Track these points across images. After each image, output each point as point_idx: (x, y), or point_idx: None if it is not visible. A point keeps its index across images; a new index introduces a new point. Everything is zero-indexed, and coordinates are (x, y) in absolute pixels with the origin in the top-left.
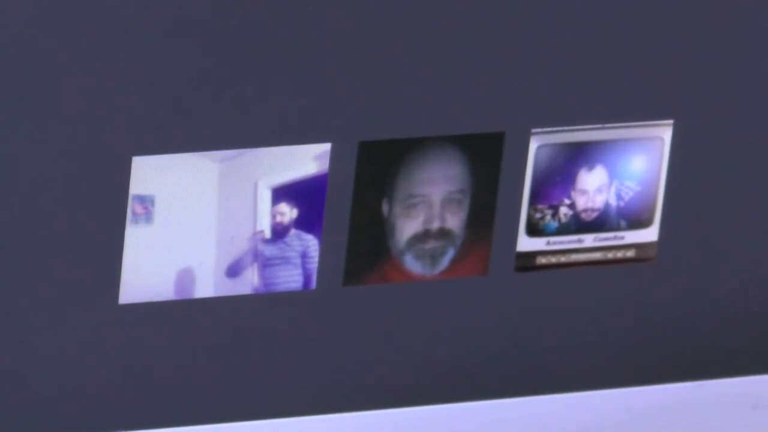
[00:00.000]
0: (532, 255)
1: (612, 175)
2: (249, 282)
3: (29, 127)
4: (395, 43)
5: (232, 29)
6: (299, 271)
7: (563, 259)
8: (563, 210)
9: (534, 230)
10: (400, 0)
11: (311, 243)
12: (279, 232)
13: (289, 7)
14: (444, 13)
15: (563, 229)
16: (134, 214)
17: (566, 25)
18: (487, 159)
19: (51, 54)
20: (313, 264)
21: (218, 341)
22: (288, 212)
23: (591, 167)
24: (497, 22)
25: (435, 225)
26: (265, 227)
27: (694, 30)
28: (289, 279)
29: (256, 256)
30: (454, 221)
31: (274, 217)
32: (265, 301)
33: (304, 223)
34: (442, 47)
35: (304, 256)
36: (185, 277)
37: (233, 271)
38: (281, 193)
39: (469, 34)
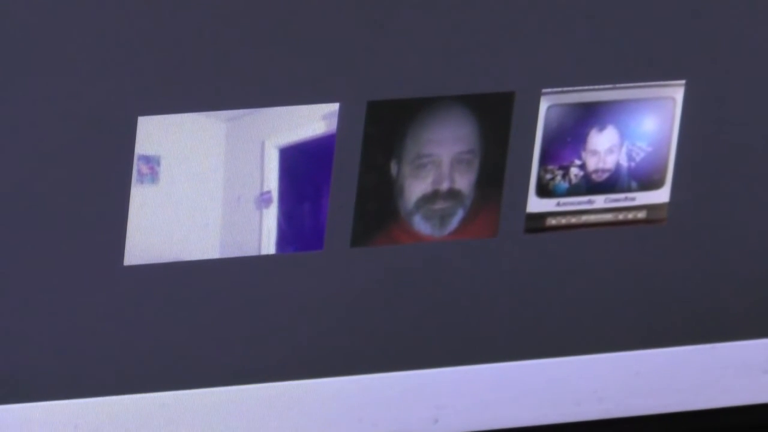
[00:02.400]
0: (542, 216)
1: (623, 136)
2: (255, 243)
3: (33, 87)
4: (404, 2)
5: None
6: (307, 231)
7: (573, 220)
8: (573, 171)
9: (544, 191)
10: None
11: (317, 203)
12: (283, 190)
13: None
14: None
15: (573, 190)
16: (140, 174)
17: None
18: (496, 119)
19: (56, 12)
20: (319, 225)
21: (225, 303)
22: (300, 172)
23: (602, 128)
24: None
25: (444, 186)
26: (273, 187)
27: None
28: (296, 241)
29: (263, 222)
30: (464, 182)
31: (285, 170)
32: (272, 262)
33: (312, 183)
34: (451, 6)
35: (309, 216)
36: (191, 238)
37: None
38: (289, 153)
39: None
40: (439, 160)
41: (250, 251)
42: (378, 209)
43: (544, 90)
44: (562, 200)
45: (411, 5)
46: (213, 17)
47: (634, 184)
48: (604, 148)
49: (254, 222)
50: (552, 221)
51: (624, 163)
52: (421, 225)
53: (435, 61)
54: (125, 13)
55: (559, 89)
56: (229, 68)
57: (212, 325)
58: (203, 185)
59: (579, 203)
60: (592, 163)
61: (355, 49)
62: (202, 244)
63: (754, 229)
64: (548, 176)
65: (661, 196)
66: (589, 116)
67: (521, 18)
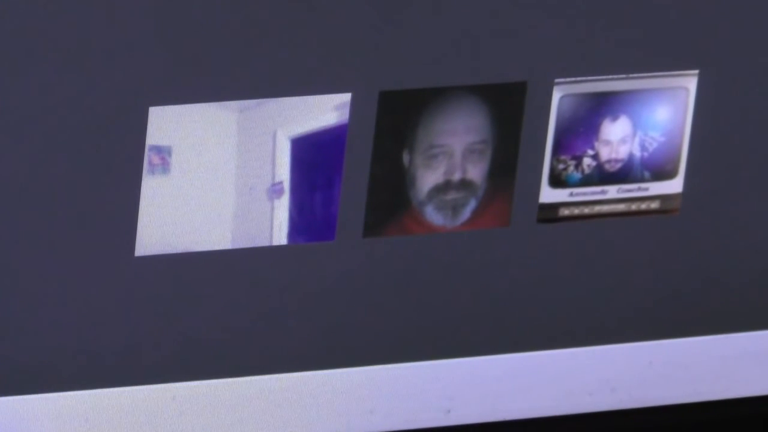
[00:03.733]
0: (555, 206)
1: (636, 126)
2: (267, 234)
3: (44, 78)
4: None
5: None
6: (319, 221)
7: (586, 210)
8: (586, 161)
9: (557, 181)
10: None
11: (328, 194)
12: (299, 184)
13: None
14: None
15: (586, 181)
16: (151, 164)
17: None
18: (509, 109)
19: (67, 3)
20: (331, 216)
21: (236, 294)
22: (311, 163)
23: (615, 117)
24: None
25: (456, 176)
26: (285, 177)
27: None
28: (308, 231)
29: (275, 212)
30: (476, 172)
31: (296, 161)
32: (284, 253)
33: (323, 173)
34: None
35: (321, 206)
36: (203, 229)
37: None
38: (301, 143)
39: None
40: (452, 151)
41: (262, 242)
42: (390, 199)
43: (556, 80)
44: (575, 190)
45: None
46: (224, 7)
47: (647, 175)
48: (617, 138)
49: (266, 213)
50: (565, 211)
51: (637, 153)
52: (433, 215)
53: (447, 51)
54: (136, 3)
55: (572, 79)
56: (241, 58)
57: (223, 316)
58: (215, 176)
59: (592, 193)
60: (605, 153)
61: (367, 39)
62: (214, 234)
63: (767, 220)
64: (561, 166)
65: (675, 186)
66: (601, 106)
67: (534, 8)
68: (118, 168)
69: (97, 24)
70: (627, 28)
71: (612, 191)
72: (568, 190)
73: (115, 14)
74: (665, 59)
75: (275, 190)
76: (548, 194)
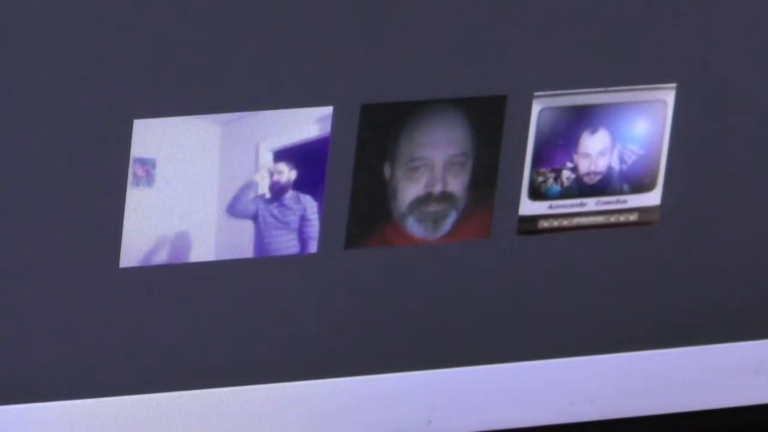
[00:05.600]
0: (535, 219)
1: (615, 139)
2: (250, 246)
3: (29, 89)
4: (397, 5)
5: None
6: (300, 233)
7: (565, 222)
8: (566, 174)
9: (536, 194)
10: None
11: (310, 206)
12: (277, 192)
13: None
14: None
15: (565, 193)
16: (135, 176)
17: None
18: (489, 122)
19: (52, 15)
20: (313, 227)
21: (219, 305)
22: (286, 172)
23: (594, 130)
24: None
25: (437, 188)
26: (266, 189)
27: None
28: (290, 243)
29: (257, 218)
30: (456, 184)
31: (272, 175)
32: (267, 264)
33: (305, 185)
34: (444, 9)
35: (302, 219)
36: (186, 241)
37: (234, 209)
38: (283, 156)
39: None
40: (432, 163)
41: (245, 254)
42: (371, 212)
43: (536, 93)
44: (555, 203)
45: (403, 9)
46: (207, 21)
47: (625, 187)
48: (596, 151)
49: (249, 224)
50: (544, 224)
51: (616, 165)
52: (414, 227)
53: (428, 65)
54: (120, 16)
55: (551, 92)
56: (224, 71)
57: (207, 326)
58: (198, 188)
59: (571, 206)
60: (584, 166)
61: (349, 52)
62: (197, 246)
63: (745, 232)
64: (540, 179)
65: (653, 198)
66: (580, 119)
67: (513, 21)
68: (103, 179)
69: (81, 36)
70: (605, 41)
71: (591, 204)
72: (547, 203)
73: (99, 27)
74: (643, 73)
75: (257, 201)
76: (528, 207)
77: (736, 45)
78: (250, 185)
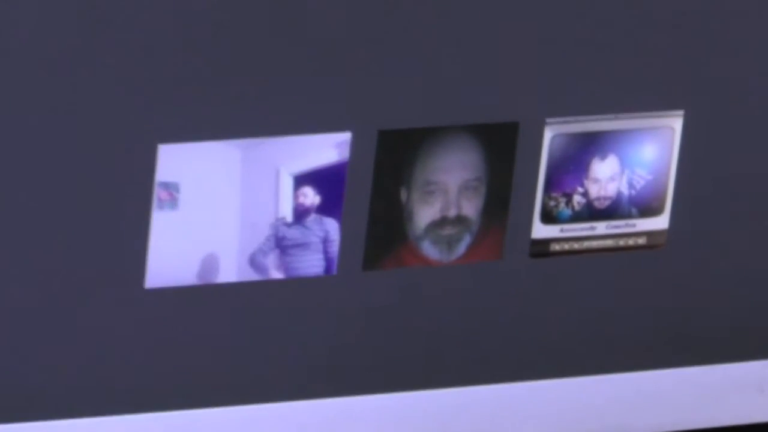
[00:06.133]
0: (546, 242)
1: (624, 164)
2: (272, 267)
3: (57, 114)
4: (413, 35)
5: (254, 21)
6: (320, 256)
7: (576, 246)
8: (576, 198)
9: (548, 217)
10: None
11: (332, 228)
12: (300, 215)
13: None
14: (462, 6)
15: (576, 217)
16: (160, 200)
17: (578, 18)
18: (502, 148)
19: (80, 45)
20: (334, 249)
21: (242, 325)
22: (311, 195)
23: (604, 156)
24: (513, 15)
25: (452, 212)
26: (287, 213)
27: (703, 22)
28: (311, 264)
29: (278, 241)
30: (471, 208)
31: (297, 198)
32: (288, 285)
33: (325, 209)
34: (459, 39)
35: (325, 241)
36: (209, 263)
37: (255, 262)
38: (303, 180)
39: (486, 28)
40: (447, 188)
41: (266, 275)
42: (388, 234)
43: (548, 120)
44: (566, 226)
45: (419, 38)
46: (229, 49)
47: (634, 211)
48: (606, 176)
49: (270, 246)
50: (556, 247)
51: (625, 190)
52: (429, 250)
53: (442, 92)
54: (146, 45)
55: (563, 119)
56: (245, 98)
57: (229, 345)
58: (221, 211)
59: (582, 229)
60: (594, 191)
61: (366, 80)
62: (221, 267)
63: (749, 255)
64: (552, 203)
65: (661, 222)
66: (591, 145)
67: (526, 52)
68: (129, 203)
69: (109, 64)
70: (615, 69)
71: (601, 227)
72: (558, 226)
73: (128, 55)
74: (652, 100)
75: (278, 225)
76: (540, 230)
77: (741, 73)
78: (272, 208)
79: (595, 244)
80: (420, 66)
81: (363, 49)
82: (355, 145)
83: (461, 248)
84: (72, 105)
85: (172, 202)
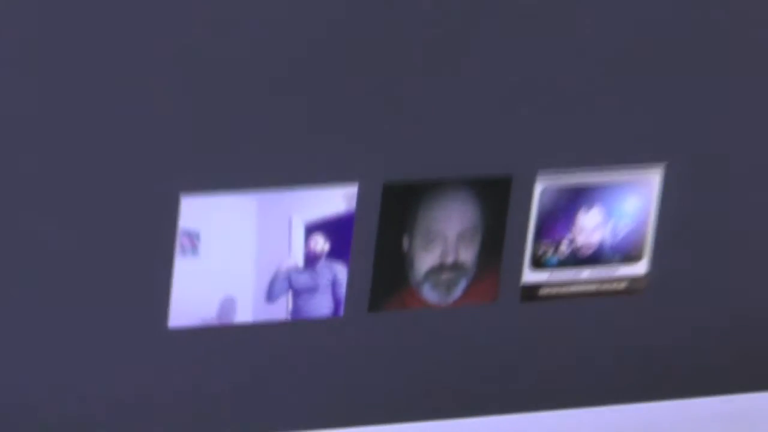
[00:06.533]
0: (536, 286)
1: (608, 215)
2: (284, 309)
3: (95, 167)
4: (415, 98)
5: (269, 86)
6: (329, 298)
7: (563, 290)
8: (564, 246)
9: (538, 264)
10: (414, 57)
11: (340, 273)
12: (311, 261)
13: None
14: (460, 69)
15: (563, 263)
16: (182, 247)
17: (565, 81)
18: (496, 200)
19: (104, 96)
20: (342, 292)
21: (257, 362)
22: (321, 243)
23: (589, 207)
24: (505, 78)
25: (450, 258)
26: (299, 259)
27: (681, 84)
28: (320, 306)
29: (291, 285)
30: (467, 255)
31: (308, 245)
32: (299, 326)
33: (334, 255)
34: (457, 103)
35: (333, 284)
36: (227, 304)
37: (270, 303)
38: (314, 229)
39: (482, 92)
40: (446, 236)
41: (280, 316)
42: (392, 279)
43: (539, 174)
44: (554, 272)
45: (421, 102)
46: (247, 109)
47: (616, 258)
48: (591, 226)
49: (283, 289)
50: (545, 291)
51: (608, 239)
52: (429, 293)
53: (443, 148)
54: (171, 105)
55: (552, 174)
56: (262, 153)
57: (244, 379)
58: (238, 257)
59: (568, 275)
60: (580, 239)
61: (373, 137)
62: (237, 309)
63: (723, 298)
64: (541, 250)
65: (640, 268)
66: (578, 197)
67: (519, 112)
68: (154, 249)
69: (136, 122)
70: (600, 127)
71: (585, 273)
72: (547, 272)
73: (154, 114)
74: (634, 155)
75: (291, 270)
76: (530, 275)
77: (716, 132)
78: (285, 255)
79: (580, 288)
80: (424, 126)
81: (369, 108)
82: (362, 197)
83: (458, 292)
84: (106, 159)
85: (194, 249)
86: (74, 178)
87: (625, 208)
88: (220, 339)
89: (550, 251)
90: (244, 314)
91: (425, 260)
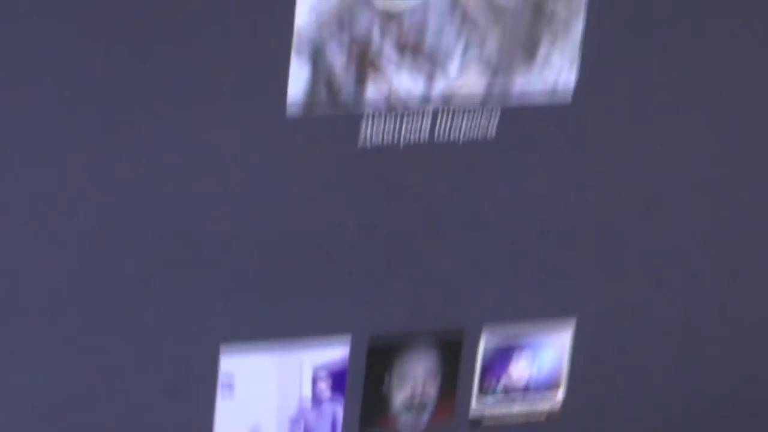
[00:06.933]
0: (480, 417)
1: (532, 360)
2: None
3: (136, 326)
4: (406, 264)
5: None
6: (329, 429)
7: (500, 419)
8: (501, 385)
9: (482, 399)
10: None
11: (338, 408)
12: (317, 399)
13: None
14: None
15: (500, 399)
16: (222, 390)
17: (498, 255)
18: (452, 349)
19: (140, 262)
20: (339, 419)
21: None
22: (325, 384)
23: (520, 352)
24: (453, 252)
25: (418, 393)
26: (308, 397)
27: (591, 244)
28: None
29: (303, 418)
30: (431, 391)
31: (315, 385)
32: None
33: (334, 392)
34: (423, 271)
35: (333, 420)
36: None
37: (295, 424)
38: (321, 370)
39: (437, 261)
40: (416, 377)
41: None
42: (377, 409)
43: (483, 329)
44: (494, 405)
45: (406, 267)
46: (264, 276)
47: (538, 392)
48: (521, 370)
49: (298, 424)
50: (487, 420)
51: (533, 378)
52: (404, 419)
53: (414, 307)
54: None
55: (492, 326)
56: (283, 309)
57: None
58: (264, 397)
59: (503, 407)
60: (513, 378)
61: (361, 298)
62: None
63: (628, 424)
64: (484, 389)
65: (558, 397)
66: (512, 345)
67: (468, 277)
68: (197, 393)
69: (173, 294)
70: (525, 287)
71: (516, 405)
72: (489, 405)
73: (193, 281)
74: (551, 310)
75: (302, 407)
76: (476, 407)
77: (624, 282)
78: (298, 394)
79: (513, 417)
80: (404, 286)
81: (351, 282)
82: (353, 347)
83: (424, 418)
84: (154, 313)
85: (231, 392)
86: (124, 331)
87: (545, 354)
88: None
89: (490, 389)
90: None
91: (401, 395)
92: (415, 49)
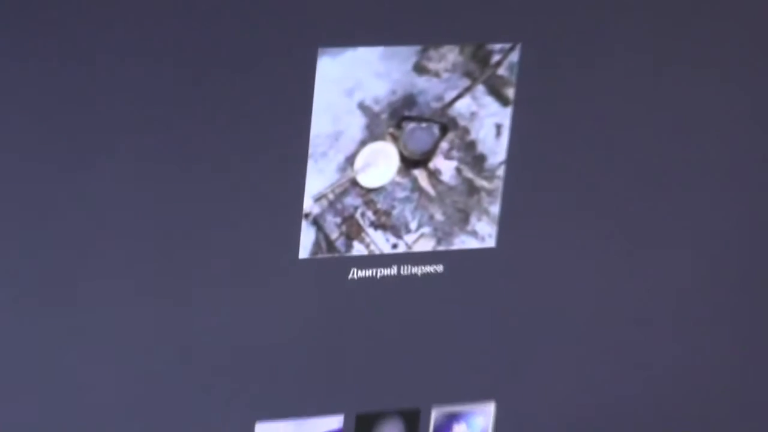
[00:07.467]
0: None
1: (468, 425)
2: None
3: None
4: (385, 351)
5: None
6: None
7: None
8: None
9: None
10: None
11: None
12: None
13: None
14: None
15: None
16: None
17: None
18: (410, 417)
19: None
20: None
21: None
22: None
23: (459, 422)
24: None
25: None
26: None
27: (514, 321)
28: None
29: None
30: None
31: None
32: None
33: None
34: (383, 351)
35: None
36: None
37: None
38: None
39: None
40: None
41: None
42: None
43: (432, 405)
44: None
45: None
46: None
47: None
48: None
49: None
50: None
51: None
52: None
53: (386, 386)
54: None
55: (440, 405)
56: (285, 388)
57: None
58: None
59: None
60: None
61: (347, 380)
62: None
63: None
64: None
65: None
66: (453, 418)
67: (419, 355)
68: None
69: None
70: (463, 367)
71: None
72: None
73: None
74: (472, 393)
75: None
76: None
77: (543, 362)
78: None
79: None
80: (391, 360)
81: (347, 368)
82: (345, 421)
83: None
84: (183, 394)
85: None
86: (161, 414)
87: (476, 421)
88: None
89: None
90: None
91: None
92: (386, 220)
